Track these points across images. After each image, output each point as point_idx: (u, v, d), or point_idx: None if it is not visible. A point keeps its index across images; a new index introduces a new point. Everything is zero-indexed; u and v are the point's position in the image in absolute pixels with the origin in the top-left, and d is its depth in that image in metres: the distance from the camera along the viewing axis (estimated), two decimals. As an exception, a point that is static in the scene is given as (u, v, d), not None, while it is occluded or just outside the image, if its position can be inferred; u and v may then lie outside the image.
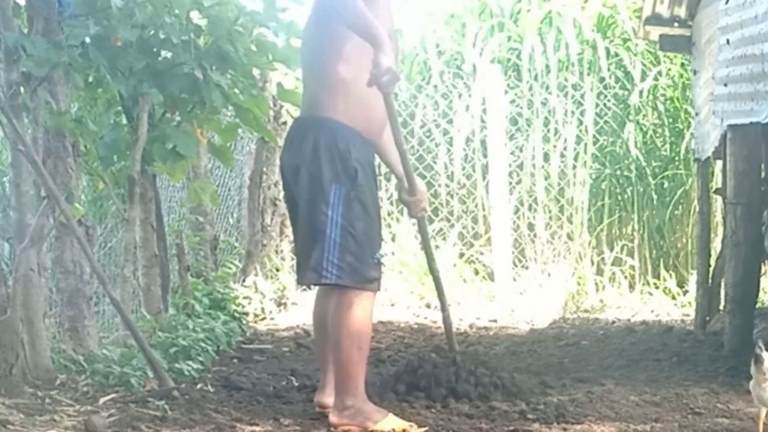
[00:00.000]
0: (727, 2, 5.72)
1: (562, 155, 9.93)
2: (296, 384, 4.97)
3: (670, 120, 10.19)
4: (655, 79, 10.15)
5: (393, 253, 9.64)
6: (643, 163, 10.01)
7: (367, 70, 3.73)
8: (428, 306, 9.00)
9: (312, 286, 4.82)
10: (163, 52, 5.17)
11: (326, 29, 3.93)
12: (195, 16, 5.24)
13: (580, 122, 9.96)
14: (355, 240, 3.84)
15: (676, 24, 7.45)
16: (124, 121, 5.45)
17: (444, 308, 4.62)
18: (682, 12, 7.35)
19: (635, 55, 10.13)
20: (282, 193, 9.51)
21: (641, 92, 10.00)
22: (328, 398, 4.09)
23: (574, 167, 9.92)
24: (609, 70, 10.09)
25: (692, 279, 8.67)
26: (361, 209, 3.88)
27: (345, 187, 3.85)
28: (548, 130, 9.98)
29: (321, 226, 3.83)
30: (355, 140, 3.93)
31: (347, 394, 3.90)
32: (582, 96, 9.99)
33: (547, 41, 10.21)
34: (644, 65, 10.13)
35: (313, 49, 4.03)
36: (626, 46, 10.18)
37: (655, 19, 7.47)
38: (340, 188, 3.84)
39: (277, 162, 8.95)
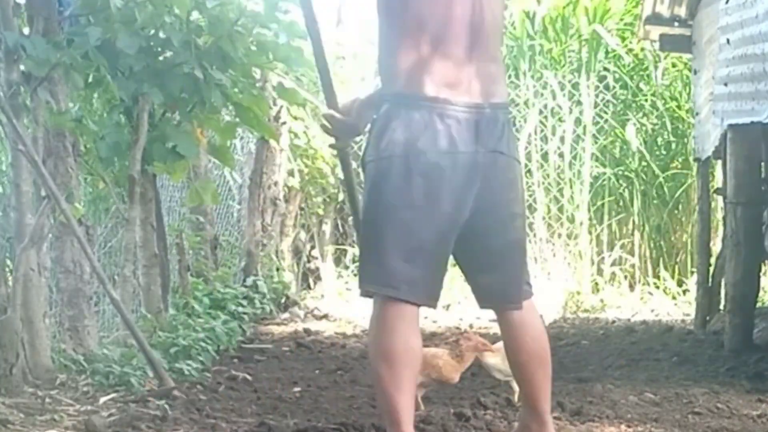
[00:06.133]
0: (727, 2, 5.73)
1: (561, 155, 9.93)
2: (296, 383, 4.98)
3: (670, 119, 10.19)
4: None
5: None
6: (643, 163, 10.01)
7: None
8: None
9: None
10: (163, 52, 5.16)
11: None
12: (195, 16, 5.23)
13: (579, 121, 9.96)
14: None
15: (676, 23, 7.46)
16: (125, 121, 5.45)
17: None
18: (682, 11, 7.35)
19: (640, 51, 10.14)
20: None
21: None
22: None
23: (573, 165, 9.92)
24: (607, 69, 10.08)
25: (692, 279, 8.68)
26: None
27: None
28: (546, 129, 9.98)
29: (523, 236, 3.17)
30: None
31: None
32: (582, 95, 9.99)
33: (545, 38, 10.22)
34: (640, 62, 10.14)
35: (498, 17, 3.05)
36: (625, 44, 10.19)
37: (655, 19, 7.48)
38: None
39: (277, 161, 8.99)
